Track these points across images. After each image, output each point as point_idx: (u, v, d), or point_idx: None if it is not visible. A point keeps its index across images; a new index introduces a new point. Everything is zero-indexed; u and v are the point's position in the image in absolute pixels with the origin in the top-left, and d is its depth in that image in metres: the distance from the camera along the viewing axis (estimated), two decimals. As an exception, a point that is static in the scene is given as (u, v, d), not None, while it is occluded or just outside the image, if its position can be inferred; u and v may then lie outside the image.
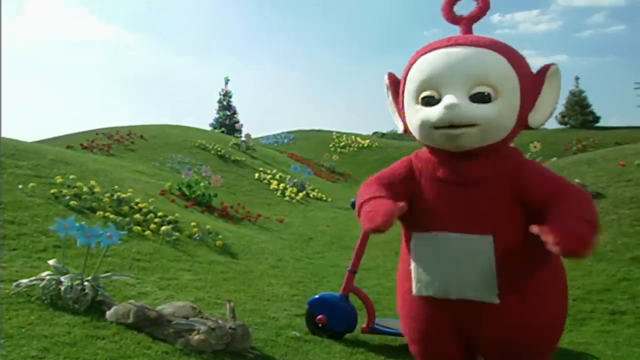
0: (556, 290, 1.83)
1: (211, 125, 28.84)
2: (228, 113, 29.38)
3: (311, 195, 12.80)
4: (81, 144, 13.51)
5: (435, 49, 1.76)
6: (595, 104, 31.40)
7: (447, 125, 1.67)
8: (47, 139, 16.92)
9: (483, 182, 1.72)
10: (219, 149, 14.68)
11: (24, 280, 3.40)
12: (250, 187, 12.17)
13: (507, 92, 1.68)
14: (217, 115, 29.44)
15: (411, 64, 1.83)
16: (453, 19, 1.90)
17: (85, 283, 3.37)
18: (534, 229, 1.50)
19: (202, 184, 9.45)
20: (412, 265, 1.81)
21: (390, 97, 1.99)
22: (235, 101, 29.95)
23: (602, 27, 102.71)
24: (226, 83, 29.98)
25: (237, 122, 28.71)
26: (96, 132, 15.59)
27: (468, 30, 1.86)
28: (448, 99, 1.64)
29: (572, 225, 1.50)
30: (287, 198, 11.72)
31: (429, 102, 1.74)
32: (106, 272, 3.90)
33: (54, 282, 3.33)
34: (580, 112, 30.19)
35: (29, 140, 11.96)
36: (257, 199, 11.27)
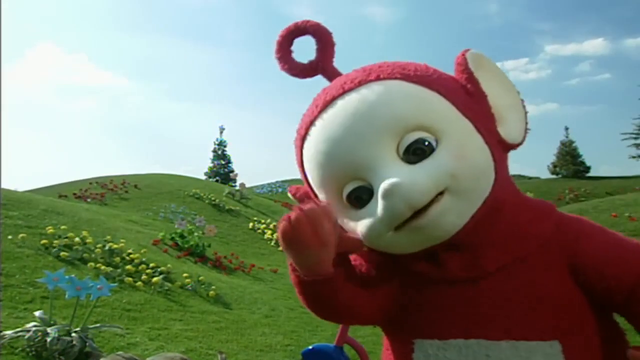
0: None
1: (205, 174, 28.94)
2: (222, 162, 29.55)
3: (305, 244, 12.70)
4: (74, 194, 13.48)
5: (311, 123, 1.04)
6: (585, 153, 31.93)
7: (407, 217, 0.94)
8: (40, 187, 16.88)
9: (513, 267, 1.00)
10: (213, 198, 14.66)
11: (9, 332, 3.31)
12: (244, 236, 12.09)
13: (447, 122, 0.98)
14: (211, 165, 29.60)
15: (301, 160, 1.09)
16: (301, 69, 1.18)
17: (73, 334, 3.28)
18: (633, 355, 0.93)
19: (195, 234, 9.39)
20: None
21: None
22: (229, 150, 30.20)
23: (589, 75, 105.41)
24: (221, 132, 30.29)
25: (232, 171, 28.82)
26: (90, 181, 15.59)
27: (335, 73, 1.14)
28: (381, 186, 0.93)
29: None
30: (281, 248, 11.61)
31: (359, 199, 1.01)
32: (95, 322, 3.81)
33: (39, 333, 3.24)
34: (571, 162, 30.61)
35: (20, 189, 11.94)
36: (251, 248, 11.18)
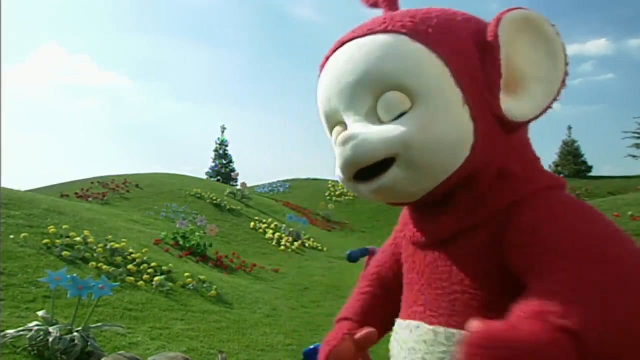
0: None
1: (207, 174, 28.96)
2: (224, 162, 29.57)
3: (307, 244, 12.71)
4: (76, 193, 13.50)
5: (327, 59, 1.04)
6: (587, 153, 31.88)
7: (353, 174, 0.93)
8: (42, 187, 16.90)
9: (462, 238, 0.93)
10: (214, 198, 14.67)
11: (11, 331, 3.31)
12: (245, 236, 12.09)
13: (430, 89, 0.90)
14: (213, 164, 29.63)
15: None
16: None
17: (75, 334, 3.29)
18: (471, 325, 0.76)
19: (197, 233, 9.39)
20: None
21: None
22: (231, 149, 30.22)
23: (592, 75, 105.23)
24: (223, 132, 30.30)
25: (233, 170, 28.84)
26: (92, 180, 15.60)
27: (392, 8, 1.04)
28: (341, 134, 0.94)
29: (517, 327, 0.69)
30: (282, 247, 11.63)
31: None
32: (97, 322, 3.81)
33: (41, 333, 3.25)
34: (573, 161, 30.57)
35: (23, 189, 11.95)
36: (252, 248, 11.18)
